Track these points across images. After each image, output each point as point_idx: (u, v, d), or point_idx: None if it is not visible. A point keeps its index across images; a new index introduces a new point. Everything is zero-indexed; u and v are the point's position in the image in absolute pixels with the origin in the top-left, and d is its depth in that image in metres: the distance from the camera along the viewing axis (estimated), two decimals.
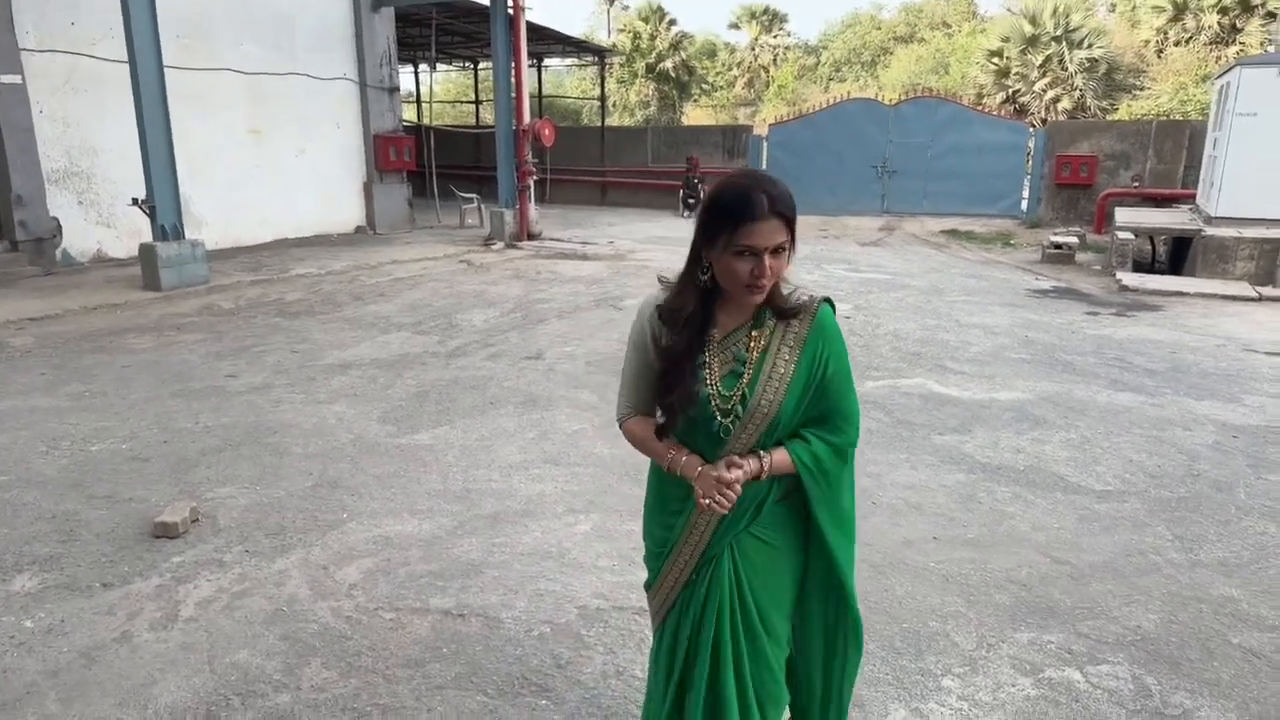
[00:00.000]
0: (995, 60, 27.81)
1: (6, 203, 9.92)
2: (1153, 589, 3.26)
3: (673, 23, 39.45)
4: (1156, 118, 19.42)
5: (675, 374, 1.70)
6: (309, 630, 2.90)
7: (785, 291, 1.74)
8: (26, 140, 9.97)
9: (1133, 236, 11.25)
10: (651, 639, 1.99)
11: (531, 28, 15.98)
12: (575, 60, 27.87)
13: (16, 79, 9.81)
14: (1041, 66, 26.59)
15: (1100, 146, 16.16)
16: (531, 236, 13.60)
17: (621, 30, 40.06)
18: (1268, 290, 9.39)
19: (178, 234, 9.36)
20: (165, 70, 9.25)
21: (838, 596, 1.87)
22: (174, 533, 3.53)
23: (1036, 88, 26.67)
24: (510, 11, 13.39)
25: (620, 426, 1.86)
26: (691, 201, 18.82)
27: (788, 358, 1.71)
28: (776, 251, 1.63)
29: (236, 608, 3.04)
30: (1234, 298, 9.16)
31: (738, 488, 1.68)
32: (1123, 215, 12.49)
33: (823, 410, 1.75)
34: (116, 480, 4.15)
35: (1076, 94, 26.22)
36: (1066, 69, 26.22)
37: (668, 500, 1.85)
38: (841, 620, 1.90)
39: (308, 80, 13.59)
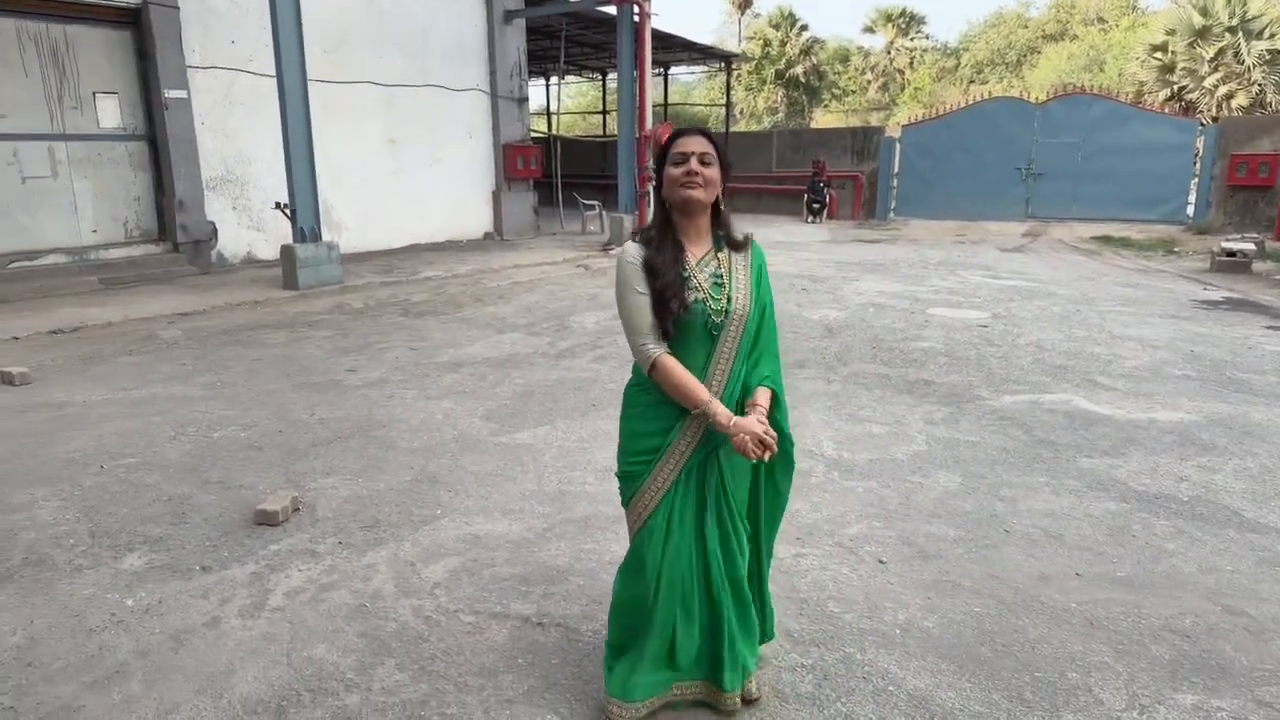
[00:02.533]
0: (1158, 55, 25.59)
1: (170, 208, 10.75)
2: None
3: (804, 28, 38.81)
4: None
5: (665, 278, 2.11)
6: (388, 629, 2.82)
7: (733, 233, 2.25)
8: (189, 150, 10.77)
9: None
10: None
11: (658, 35, 15.99)
12: (703, 68, 27.75)
13: (183, 94, 10.62)
14: (1213, 60, 24.22)
15: None
16: None
17: (751, 38, 39.70)
18: None
19: (315, 236, 9.84)
20: (311, 83, 9.78)
21: (786, 461, 2.33)
22: (274, 520, 3.57)
23: (1207, 83, 24.31)
24: (636, 19, 13.40)
25: (651, 367, 2.13)
26: (816, 206, 18.26)
27: (744, 275, 2.22)
28: (706, 163, 2.13)
29: (322, 600, 3.00)
30: None
31: (774, 446, 2.12)
32: None
33: (763, 317, 2.24)
34: (231, 466, 4.27)
35: (1255, 89, 23.74)
36: (1243, 62, 23.77)
37: (661, 417, 2.21)
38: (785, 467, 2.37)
39: (442, 91, 14.06)
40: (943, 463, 4.37)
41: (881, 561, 3.32)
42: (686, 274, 2.14)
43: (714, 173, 2.14)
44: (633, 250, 2.18)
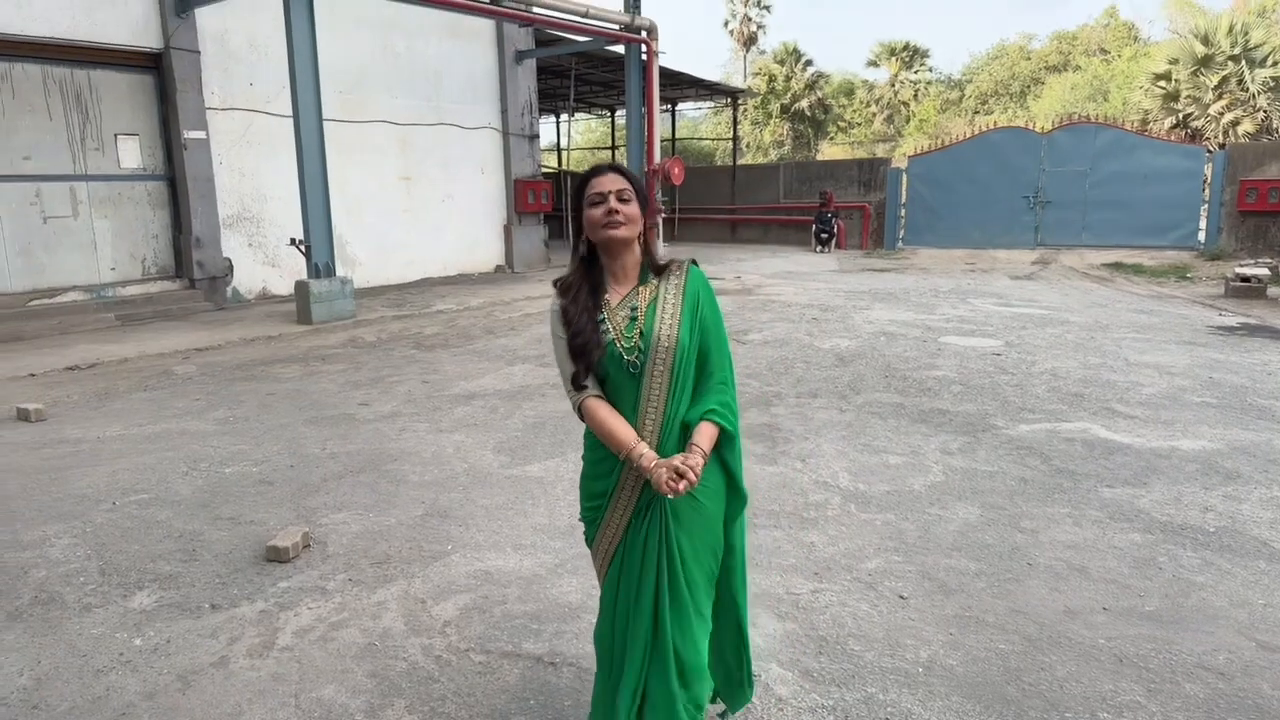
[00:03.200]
0: (1162, 84, 25.68)
1: (187, 245, 10.89)
2: None
3: (809, 63, 39.19)
4: None
5: (578, 324, 2.02)
6: (398, 668, 2.77)
7: (658, 260, 2.12)
8: (207, 188, 10.94)
9: None
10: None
11: (665, 72, 16.20)
12: (710, 104, 28.06)
13: (201, 135, 10.82)
14: (1217, 88, 24.30)
15: None
16: None
17: (756, 74, 40.15)
18: None
19: (330, 272, 9.93)
20: (327, 123, 9.96)
21: (736, 501, 2.14)
22: (284, 557, 3.53)
23: (1212, 110, 24.37)
24: (644, 57, 13.58)
25: (578, 407, 2.05)
26: (825, 236, 18.31)
27: (673, 300, 2.05)
28: (624, 199, 2.02)
29: (331, 639, 2.96)
30: None
31: (691, 476, 1.89)
32: None
33: (706, 345, 2.05)
34: (242, 502, 4.25)
35: (1260, 115, 23.78)
36: (1247, 89, 23.85)
37: (603, 459, 2.09)
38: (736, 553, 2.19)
39: (454, 129, 14.26)
40: (961, 494, 4.30)
41: (902, 597, 3.25)
42: (602, 317, 2.04)
43: (633, 209, 2.04)
44: (554, 299, 2.13)
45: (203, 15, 10.68)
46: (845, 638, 2.96)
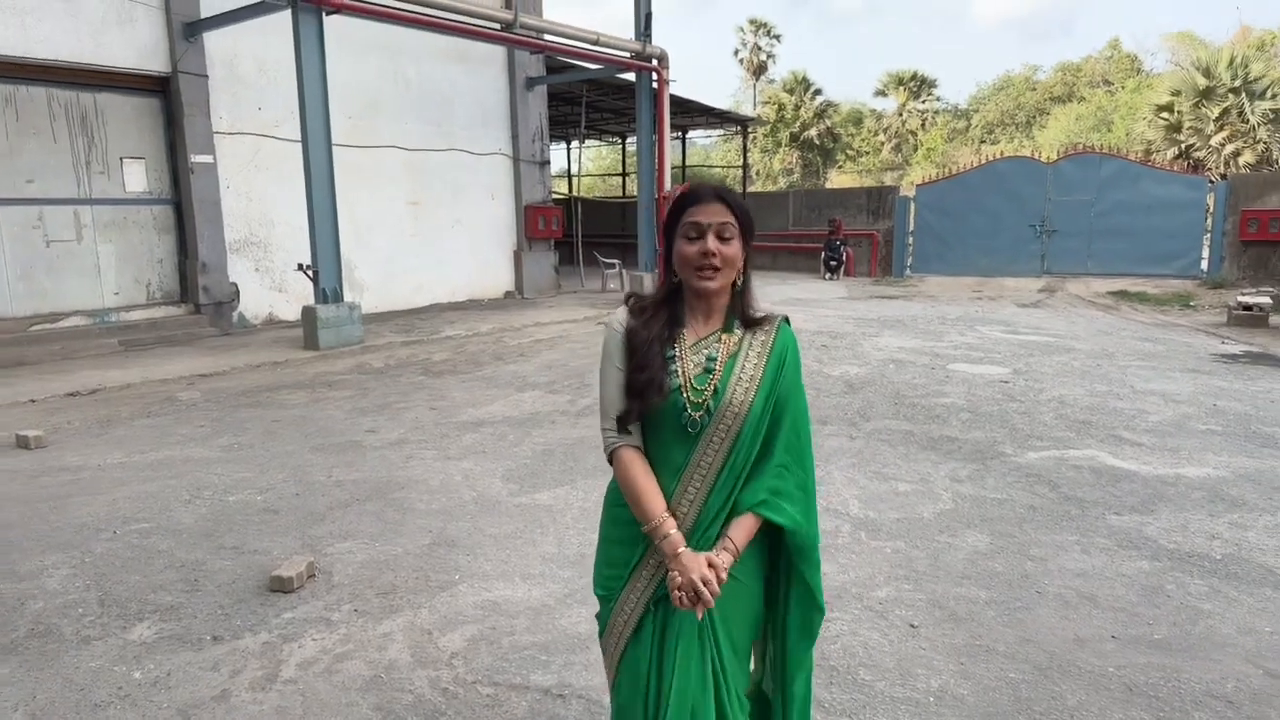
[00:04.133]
0: (1165, 115, 25.91)
1: (193, 270, 10.95)
2: None
3: (818, 92, 39.63)
4: None
5: (645, 356, 1.72)
6: (403, 701, 2.75)
7: (752, 311, 1.81)
8: (214, 213, 11.03)
9: None
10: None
11: (675, 100, 16.35)
12: (720, 132, 28.31)
13: (209, 159, 10.92)
14: (1218, 120, 24.50)
15: None
16: None
17: (766, 102, 40.55)
18: None
19: (337, 297, 9.97)
20: (336, 148, 10.04)
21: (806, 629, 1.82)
22: (289, 587, 3.52)
23: (1214, 141, 24.55)
24: (655, 85, 13.73)
25: (611, 458, 1.78)
26: (834, 263, 18.37)
27: (756, 361, 1.75)
28: (725, 237, 1.72)
29: (336, 671, 2.94)
30: None
31: (708, 594, 1.63)
32: None
33: (777, 417, 1.75)
34: (246, 531, 4.24)
35: (1260, 147, 23.94)
36: (1248, 121, 24.03)
37: (633, 522, 1.75)
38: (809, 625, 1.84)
39: (465, 155, 14.38)
40: (970, 521, 4.27)
41: (912, 625, 3.22)
42: (673, 354, 1.74)
43: (734, 249, 1.73)
44: (620, 317, 1.80)
45: (211, 39, 10.79)
46: (856, 667, 2.93)
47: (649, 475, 1.74)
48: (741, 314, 1.80)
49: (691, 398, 1.70)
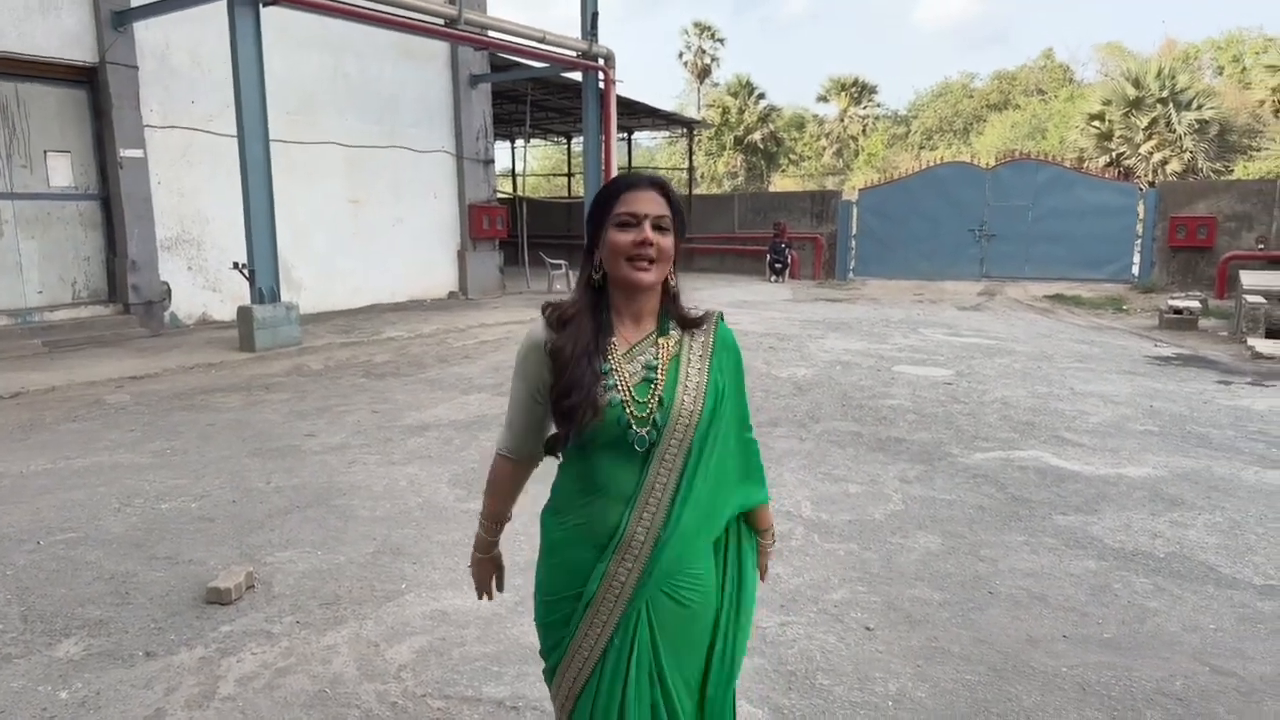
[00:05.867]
0: (1096, 124, 26.91)
1: (122, 268, 10.49)
2: None
3: (761, 96, 40.02)
4: None
5: (575, 374, 1.53)
6: (350, 717, 2.62)
7: (686, 310, 1.69)
8: (144, 209, 10.58)
9: (1264, 300, 10.31)
10: None
11: (622, 101, 16.31)
12: (666, 133, 28.35)
13: (139, 153, 10.47)
14: (1147, 129, 25.54)
15: (1219, 208, 15.14)
16: None
17: (711, 105, 40.81)
18: None
19: (274, 297, 9.65)
20: (274, 144, 9.72)
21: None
22: (226, 599, 3.35)
23: (1142, 150, 25.59)
24: (601, 86, 13.65)
25: (496, 458, 1.77)
26: (779, 266, 18.56)
27: (700, 365, 1.62)
28: (662, 228, 1.57)
29: (277, 686, 2.79)
30: None
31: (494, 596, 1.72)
32: (1249, 279, 11.55)
33: (726, 413, 1.64)
34: (180, 540, 4.03)
35: (1186, 156, 25.03)
36: (1174, 131, 25.09)
37: (579, 539, 1.60)
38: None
39: (407, 153, 14.09)
40: (921, 522, 4.30)
41: (868, 628, 3.21)
42: (608, 367, 1.56)
43: (669, 242, 1.58)
44: (538, 330, 1.63)
45: (142, 29, 10.35)
46: (814, 672, 2.91)
47: (508, 480, 1.79)
48: (677, 314, 1.65)
49: (635, 411, 1.54)
